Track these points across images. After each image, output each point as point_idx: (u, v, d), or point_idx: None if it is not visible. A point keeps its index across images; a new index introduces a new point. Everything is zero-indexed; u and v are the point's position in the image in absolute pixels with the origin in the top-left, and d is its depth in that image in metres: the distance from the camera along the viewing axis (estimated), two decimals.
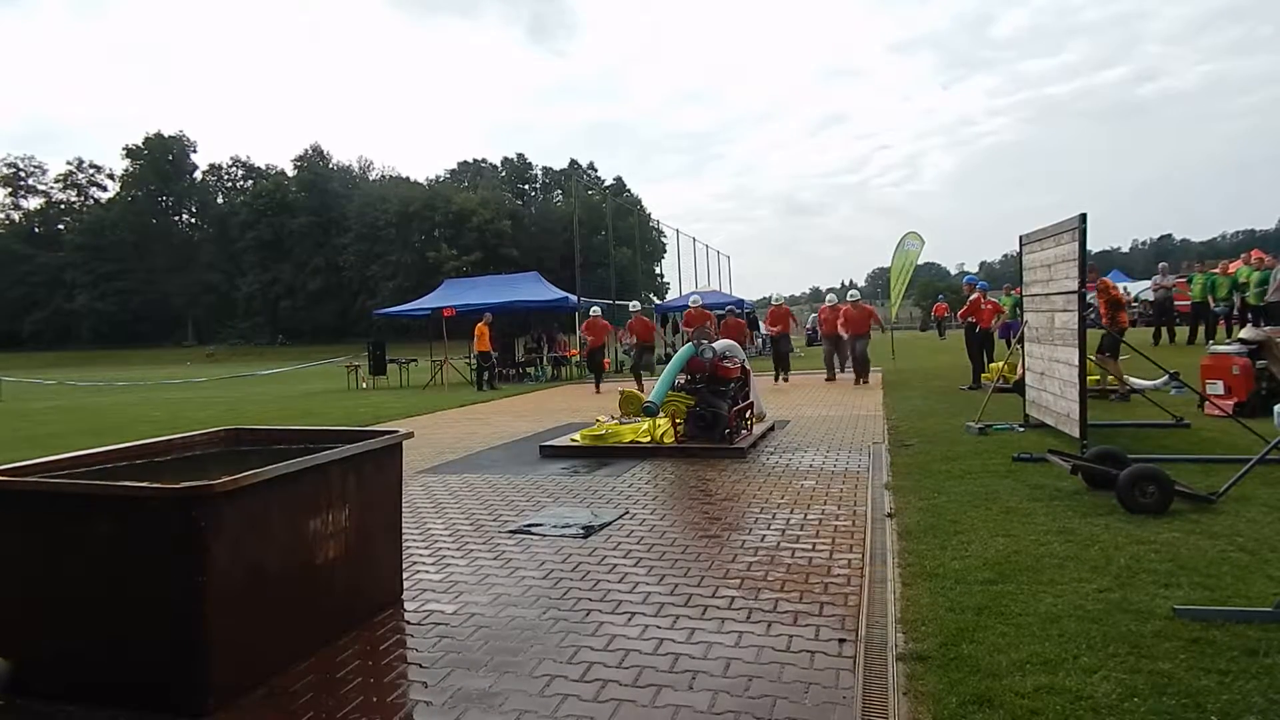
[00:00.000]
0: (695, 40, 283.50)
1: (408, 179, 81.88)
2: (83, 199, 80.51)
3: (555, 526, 5.00)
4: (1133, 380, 8.46)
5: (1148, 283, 25.05)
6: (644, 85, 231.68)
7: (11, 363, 45.29)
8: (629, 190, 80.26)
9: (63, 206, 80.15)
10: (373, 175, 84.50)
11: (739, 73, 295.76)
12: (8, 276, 71.37)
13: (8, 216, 78.52)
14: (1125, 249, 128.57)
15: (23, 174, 78.70)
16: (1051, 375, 7.11)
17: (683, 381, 7.87)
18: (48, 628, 2.78)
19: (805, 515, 4.98)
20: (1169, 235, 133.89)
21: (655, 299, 40.92)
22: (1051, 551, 3.88)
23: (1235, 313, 16.26)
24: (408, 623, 3.47)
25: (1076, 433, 6.28)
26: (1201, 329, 16.62)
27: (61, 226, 77.92)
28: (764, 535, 4.56)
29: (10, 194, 78.53)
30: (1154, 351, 14.09)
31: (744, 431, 7.97)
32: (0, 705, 2.75)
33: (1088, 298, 6.72)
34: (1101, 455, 5.18)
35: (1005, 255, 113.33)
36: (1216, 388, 7.96)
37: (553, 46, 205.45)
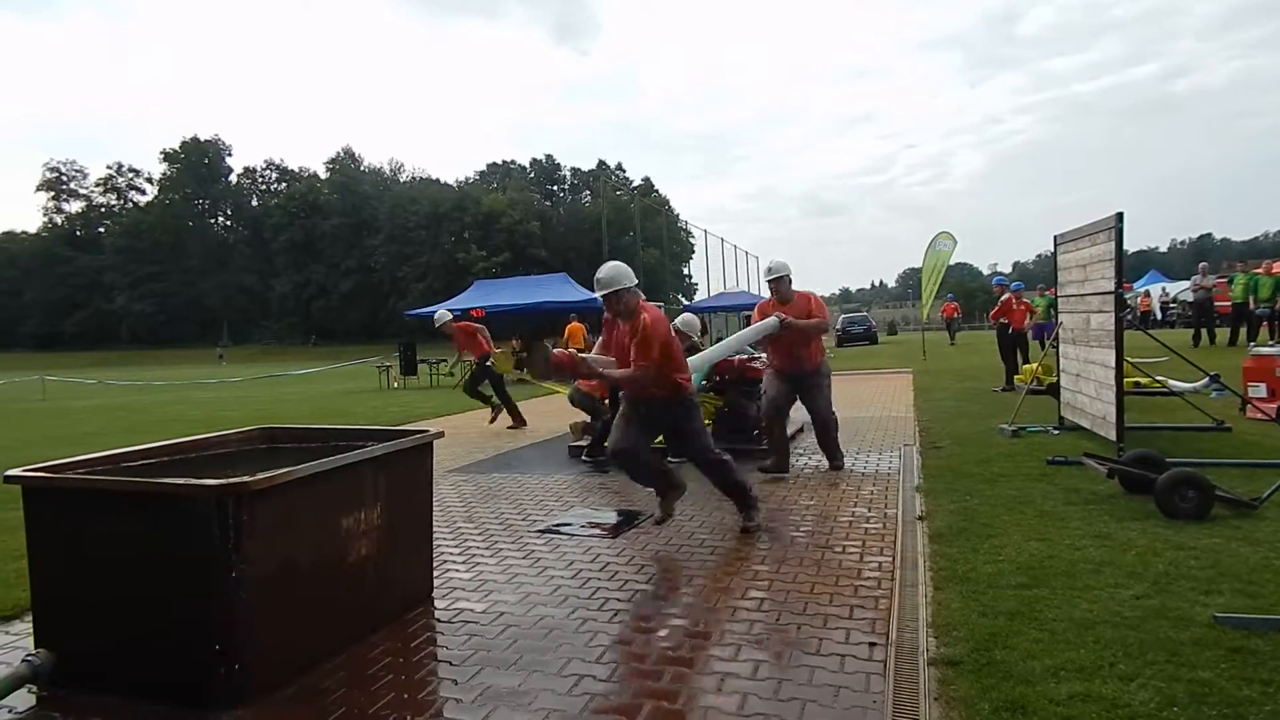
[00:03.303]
0: (722, 39, 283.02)
1: (437, 181, 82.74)
2: (122, 202, 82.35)
3: (583, 526, 5.02)
4: (1172, 383, 8.28)
5: (1187, 283, 24.60)
6: (670, 85, 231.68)
7: (54, 362, 46.42)
8: (657, 190, 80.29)
9: (103, 210, 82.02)
10: (403, 177, 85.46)
11: (765, 72, 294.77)
12: (50, 278, 73.20)
13: (50, 220, 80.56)
14: (1163, 249, 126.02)
15: (64, 178, 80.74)
16: (1087, 377, 6.99)
17: (712, 382, 7.84)
18: (88, 622, 2.85)
19: (835, 517, 4.94)
20: (1209, 234, 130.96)
21: (684, 299, 40.87)
22: (1087, 556, 3.82)
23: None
24: (438, 620, 3.50)
25: (1113, 435, 6.17)
26: (1243, 330, 16.25)
27: (102, 229, 79.71)
28: (793, 537, 4.54)
29: (52, 198, 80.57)
30: (1194, 353, 13.80)
31: None
32: (43, 696, 2.82)
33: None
34: (1139, 458, 5.08)
35: (1039, 255, 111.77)
36: (1259, 390, 7.77)
37: (579, 47, 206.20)
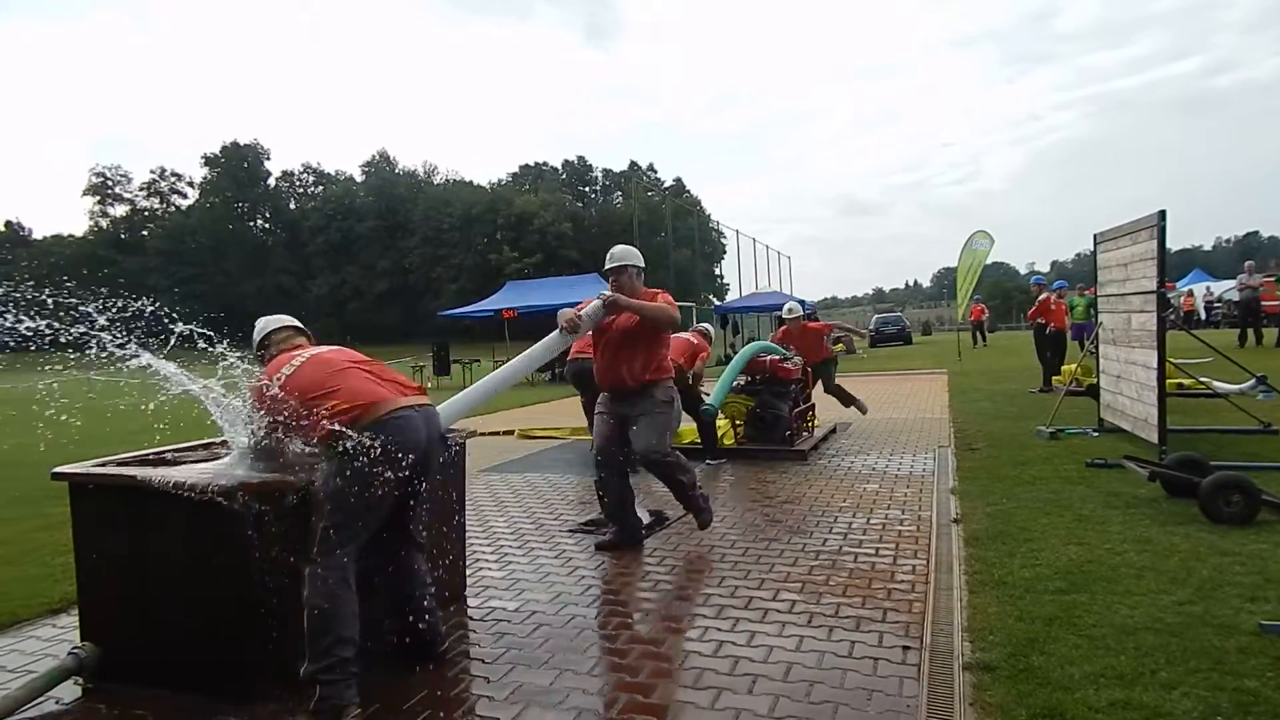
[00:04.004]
0: (754, 39, 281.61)
1: (471, 183, 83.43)
2: (165, 206, 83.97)
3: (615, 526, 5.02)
4: (1217, 384, 8.07)
5: (1232, 282, 23.97)
6: (702, 85, 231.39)
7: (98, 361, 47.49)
8: (688, 191, 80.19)
9: (146, 214, 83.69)
10: (437, 179, 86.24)
11: (798, 71, 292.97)
12: (95, 280, 74.84)
13: (96, 224, 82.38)
14: (1208, 247, 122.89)
15: (110, 183, 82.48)
16: (1128, 378, 6.85)
17: (743, 383, 7.82)
18: (132, 615, 2.91)
19: (868, 519, 4.90)
20: (1255, 232, 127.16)
21: (715, 300, 40.77)
22: (1127, 561, 3.74)
23: None
24: (470, 618, 3.53)
25: (1155, 438, 6.04)
26: None
27: (145, 233, 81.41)
28: (825, 539, 4.50)
29: (98, 202, 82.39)
30: (1239, 354, 13.45)
31: (805, 434, 7.89)
32: (89, 688, 2.90)
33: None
34: (1182, 462, 4.97)
35: (1079, 254, 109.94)
36: None
37: (610, 49, 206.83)
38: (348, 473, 2.64)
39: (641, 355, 4.42)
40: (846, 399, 8.97)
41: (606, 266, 4.62)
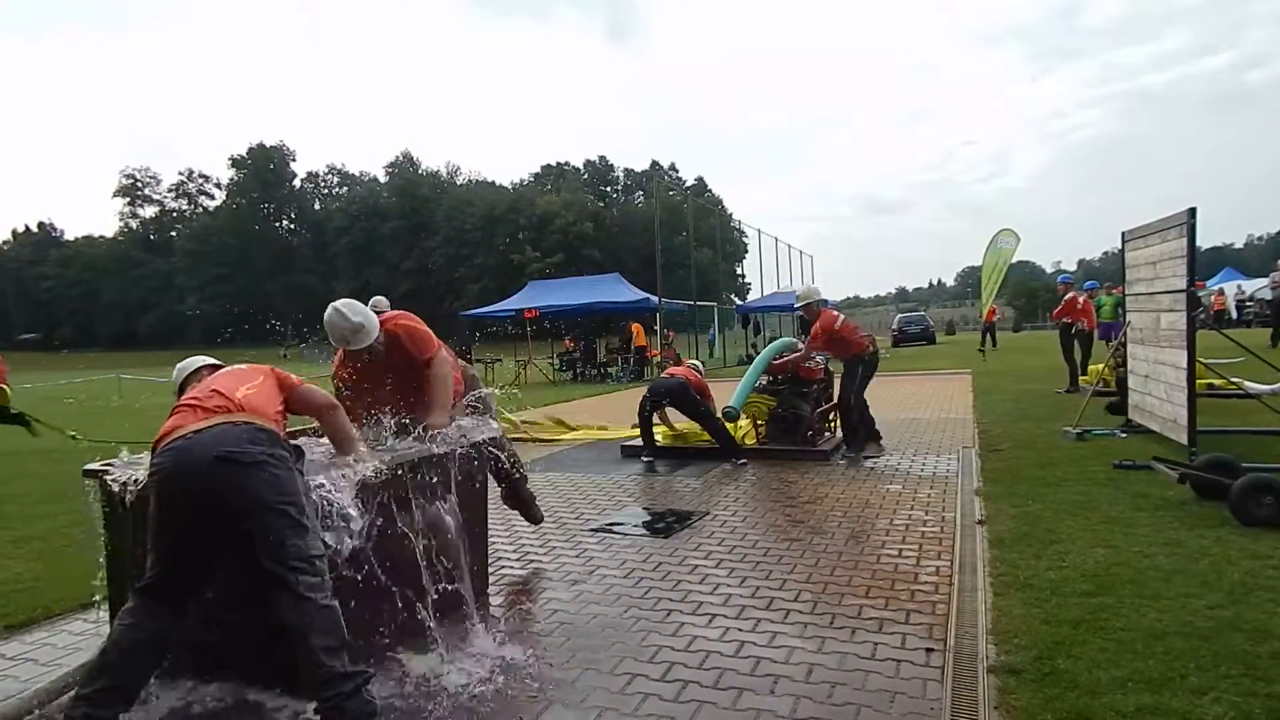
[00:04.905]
0: (777, 39, 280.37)
1: (493, 183, 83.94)
2: (193, 207, 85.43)
3: (636, 526, 5.04)
4: (1248, 385, 7.93)
5: (1264, 280, 23.56)
6: (723, 84, 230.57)
7: (128, 361, 48.27)
8: (710, 190, 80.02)
9: (175, 215, 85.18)
10: (460, 180, 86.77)
11: (819, 69, 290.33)
12: (126, 280, 76.40)
13: (126, 224, 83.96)
14: (1239, 245, 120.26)
15: (139, 184, 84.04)
16: (1157, 378, 6.75)
17: (765, 383, 7.80)
18: None
19: (891, 520, 4.86)
20: None
21: (737, 299, 40.64)
22: (1156, 564, 3.69)
23: None
24: (493, 617, 3.55)
25: (1184, 439, 5.95)
26: None
27: (174, 234, 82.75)
28: (847, 540, 4.48)
29: (128, 203, 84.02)
30: (1272, 353, 13.20)
31: (827, 434, 7.84)
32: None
33: None
34: (1213, 463, 4.89)
35: (1106, 252, 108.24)
36: None
37: (633, 48, 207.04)
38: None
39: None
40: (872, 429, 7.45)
41: (352, 346, 3.60)
